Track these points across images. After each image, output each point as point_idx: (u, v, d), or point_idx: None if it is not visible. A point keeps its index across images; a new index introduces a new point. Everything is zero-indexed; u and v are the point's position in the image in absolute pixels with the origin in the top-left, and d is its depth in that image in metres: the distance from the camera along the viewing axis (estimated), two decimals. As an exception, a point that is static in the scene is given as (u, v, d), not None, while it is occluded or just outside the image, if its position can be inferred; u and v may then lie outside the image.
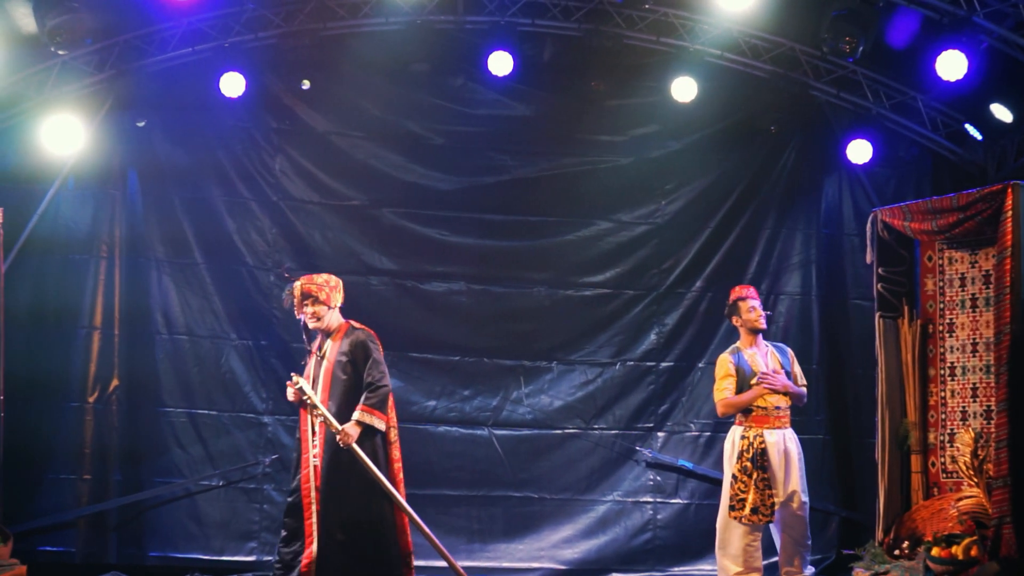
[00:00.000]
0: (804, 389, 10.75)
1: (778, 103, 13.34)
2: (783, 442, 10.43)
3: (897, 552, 11.24)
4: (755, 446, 10.34)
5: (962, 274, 11.80)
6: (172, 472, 12.76)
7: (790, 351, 10.88)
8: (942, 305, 11.90)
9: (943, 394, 11.81)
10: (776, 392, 10.44)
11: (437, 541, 10.23)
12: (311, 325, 9.96)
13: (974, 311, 11.70)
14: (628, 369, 13.52)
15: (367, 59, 13.02)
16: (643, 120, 13.60)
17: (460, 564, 12.04)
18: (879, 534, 11.74)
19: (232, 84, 12.64)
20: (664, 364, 13.57)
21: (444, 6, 12.79)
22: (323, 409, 9.75)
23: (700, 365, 13.47)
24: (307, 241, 13.25)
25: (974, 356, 11.66)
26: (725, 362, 10.58)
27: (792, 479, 10.40)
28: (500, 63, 12.92)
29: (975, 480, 10.79)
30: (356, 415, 9.76)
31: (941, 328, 11.88)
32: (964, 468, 10.84)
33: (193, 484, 12.83)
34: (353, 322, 10.14)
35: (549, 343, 13.47)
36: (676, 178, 13.69)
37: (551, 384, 13.46)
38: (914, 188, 13.52)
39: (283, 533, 9.94)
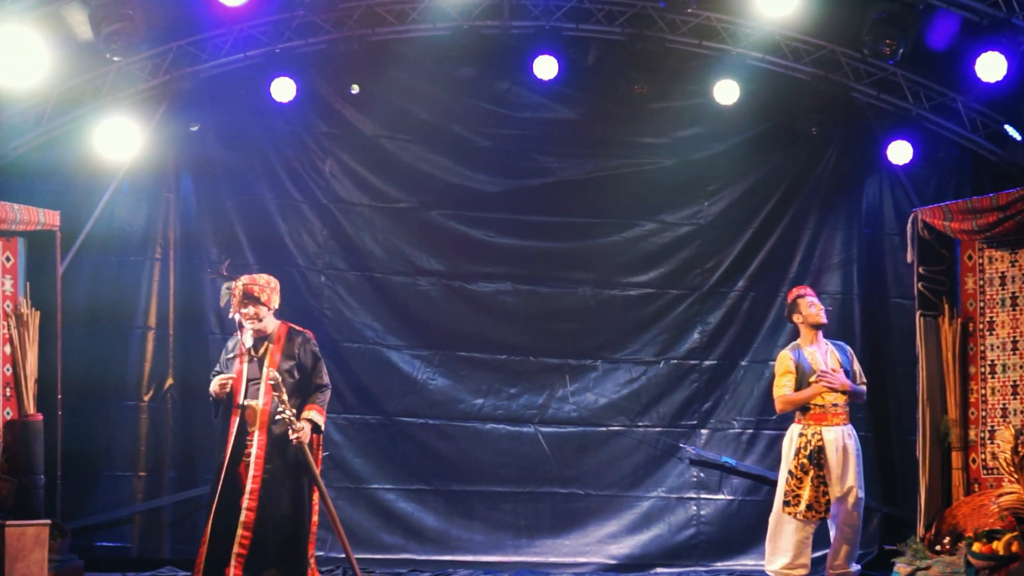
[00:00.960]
0: (864, 387, 10.70)
1: (819, 105, 13.29)
2: (841, 439, 10.38)
3: (938, 548, 11.28)
4: (812, 444, 10.32)
5: (1002, 273, 11.86)
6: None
7: (850, 349, 10.82)
8: (982, 303, 11.95)
9: (983, 391, 11.86)
10: (834, 390, 10.39)
11: (345, 537, 10.20)
12: (250, 327, 9.68)
13: (1014, 309, 11.75)
14: (672, 367, 13.57)
15: (415, 64, 13.09)
16: (686, 123, 13.62)
17: (507, 559, 12.67)
18: (920, 530, 11.80)
19: (283, 89, 12.71)
20: (707, 362, 13.62)
21: (490, 12, 12.83)
22: (289, 408, 9.54)
23: (743, 363, 13.56)
24: (356, 242, 13.33)
25: (1014, 354, 11.71)
26: (785, 359, 10.55)
27: (849, 476, 10.35)
28: (545, 67, 12.98)
29: (1015, 476, 10.54)
30: (311, 415, 9.70)
31: (981, 326, 11.92)
32: (1004, 464, 10.62)
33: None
34: (291, 324, 9.99)
35: (594, 342, 13.52)
36: (719, 179, 13.71)
37: (596, 382, 13.52)
38: (954, 188, 13.46)
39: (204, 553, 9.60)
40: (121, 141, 12.35)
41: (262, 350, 9.72)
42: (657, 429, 13.49)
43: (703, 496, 13.47)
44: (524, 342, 13.45)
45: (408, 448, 13.29)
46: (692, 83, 13.39)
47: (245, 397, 9.62)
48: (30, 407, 11.67)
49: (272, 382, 9.50)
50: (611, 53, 13.26)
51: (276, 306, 9.80)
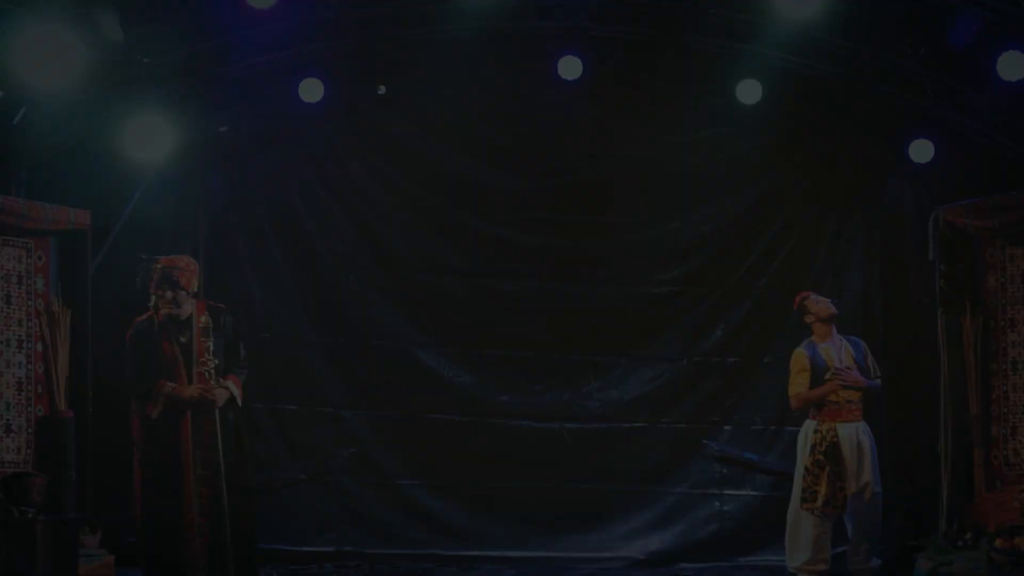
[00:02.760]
0: (878, 382, 10.71)
1: (841, 103, 13.29)
2: (856, 435, 10.41)
3: (960, 543, 11.29)
4: (828, 440, 10.34)
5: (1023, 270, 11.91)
6: (255, 465, 12.47)
7: (864, 344, 10.82)
8: (1004, 301, 11.95)
9: (1005, 388, 11.88)
10: (849, 387, 10.43)
11: None
12: (165, 311, 9.29)
13: (1035, 306, 11.69)
14: (695, 364, 13.63)
15: (441, 64, 13.01)
16: (709, 122, 13.58)
17: (532, 555, 12.83)
18: (942, 525, 11.81)
19: (311, 89, 12.75)
20: (730, 359, 13.66)
21: (515, 13, 12.77)
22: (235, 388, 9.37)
23: (765, 360, 13.51)
24: (383, 241, 13.43)
25: (1035, 350, 11.62)
26: (800, 356, 10.56)
27: (864, 471, 10.39)
28: (570, 67, 13.00)
29: (1038, 472, 10.80)
30: (231, 386, 9.39)
31: (1003, 323, 11.95)
32: (1027, 460, 10.88)
33: (276, 477, 12.99)
34: (209, 301, 9.75)
35: (619, 339, 13.59)
36: (741, 178, 13.72)
37: (621, 379, 13.60)
38: (976, 186, 13.19)
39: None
40: (151, 141, 12.31)
41: (185, 336, 9.41)
42: (681, 425, 13.54)
43: (727, 492, 13.51)
44: (549, 339, 13.49)
45: (435, 445, 13.34)
46: (715, 83, 13.30)
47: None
48: (62, 404, 11.69)
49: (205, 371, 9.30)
50: (635, 53, 13.22)
51: (194, 289, 9.49)
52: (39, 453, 11.52)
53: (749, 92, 13.08)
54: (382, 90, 13.12)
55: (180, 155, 12.75)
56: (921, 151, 13.24)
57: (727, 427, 13.62)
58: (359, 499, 13.20)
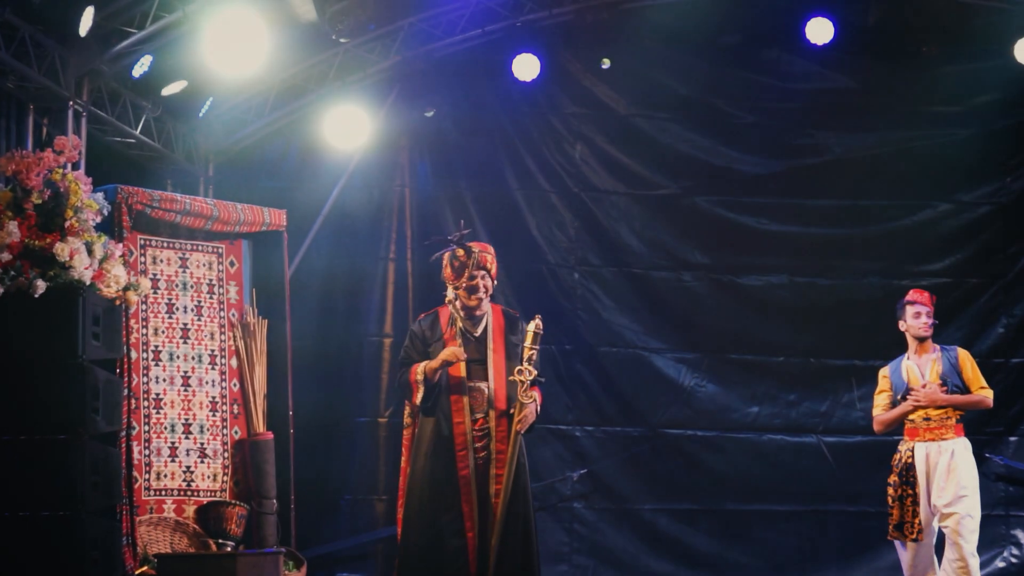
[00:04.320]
0: (980, 395, 10.00)
1: None
2: (935, 455, 9.83)
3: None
4: (904, 460, 9.90)
5: None
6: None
7: (961, 354, 10.10)
8: None
9: None
10: (920, 407, 9.90)
11: None
12: (474, 304, 8.73)
13: None
14: (974, 366, 13.22)
15: (671, 32, 12.65)
16: (983, 87, 12.93)
17: None
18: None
19: (526, 66, 12.56)
20: (1014, 360, 12.94)
21: None
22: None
23: (1058, 360, 13.07)
24: (611, 235, 13.08)
25: None
26: (881, 376, 10.23)
27: (945, 494, 9.75)
28: (819, 30, 12.50)
29: None
30: (536, 397, 8.73)
31: None
32: None
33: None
34: (505, 307, 9.21)
35: (884, 340, 12.07)
36: (1022, 151, 13.10)
37: None
38: None
39: None
40: (350, 130, 12.30)
41: (479, 330, 8.90)
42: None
43: (1013, 513, 12.78)
44: (803, 342, 13.02)
45: (675, 463, 12.97)
46: (989, 42, 12.61)
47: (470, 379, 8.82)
48: (259, 425, 11.42)
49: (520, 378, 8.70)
50: (894, 11, 12.69)
51: (495, 283, 9.01)
52: (236, 480, 11.33)
53: (1030, 51, 12.61)
54: (606, 64, 12.77)
55: (381, 145, 12.74)
56: None
57: (1013, 438, 12.90)
58: (593, 527, 12.85)
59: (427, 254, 12.13)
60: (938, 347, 10.13)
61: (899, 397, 9.98)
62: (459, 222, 12.47)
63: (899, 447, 10.01)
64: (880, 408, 10.14)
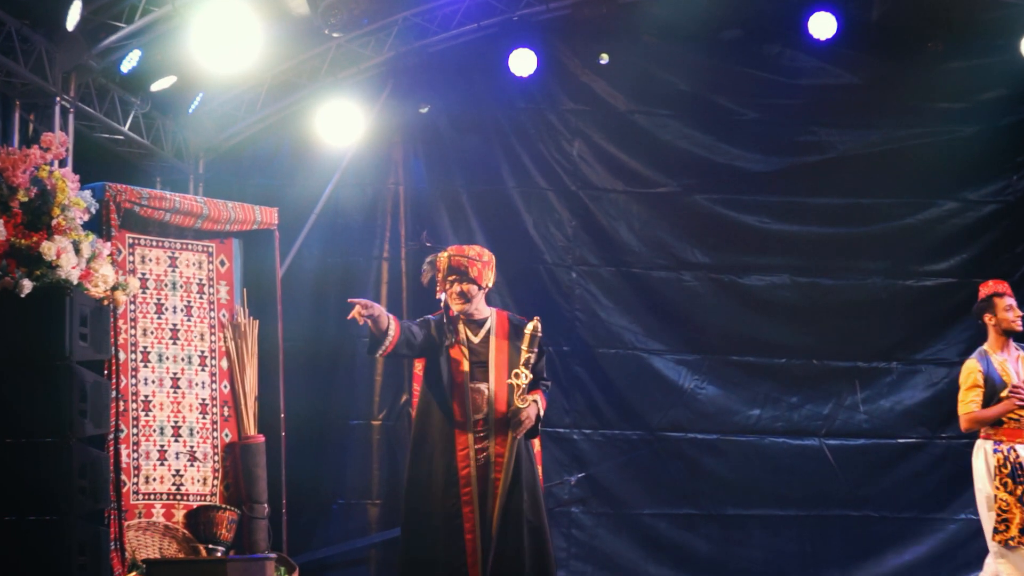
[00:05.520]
0: None
1: None
2: None
3: None
4: (1011, 460, 9.56)
5: None
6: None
7: None
8: None
9: None
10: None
11: None
12: (456, 308, 8.66)
13: None
14: (981, 368, 13.06)
15: (671, 26, 12.61)
16: (988, 83, 12.89)
17: None
18: None
19: (522, 62, 12.50)
20: None
21: None
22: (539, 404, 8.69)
23: (1070, 363, 12.96)
24: (610, 234, 12.99)
25: None
26: (972, 371, 9.77)
27: None
28: (822, 25, 12.50)
29: None
30: (538, 400, 8.66)
31: None
32: None
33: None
34: (511, 314, 9.04)
35: (888, 341, 12.95)
36: None
37: (891, 387, 12.94)
38: None
39: None
40: (343, 127, 12.29)
41: (477, 339, 8.77)
42: (963, 441, 12.11)
43: None
44: (806, 343, 12.94)
45: (675, 467, 12.86)
46: (995, 38, 12.62)
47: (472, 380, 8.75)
48: (250, 428, 11.36)
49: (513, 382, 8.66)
50: (898, 5, 12.69)
51: (489, 284, 8.83)
52: (226, 484, 11.26)
53: (1037, 46, 12.51)
54: (604, 59, 12.65)
55: (375, 142, 12.70)
56: None
57: (1022, 442, 12.97)
58: (591, 532, 12.75)
59: (420, 253, 12.20)
60: (1017, 344, 9.97)
61: (1003, 395, 9.62)
62: (453, 221, 12.75)
63: (996, 448, 9.63)
64: (974, 404, 9.75)
